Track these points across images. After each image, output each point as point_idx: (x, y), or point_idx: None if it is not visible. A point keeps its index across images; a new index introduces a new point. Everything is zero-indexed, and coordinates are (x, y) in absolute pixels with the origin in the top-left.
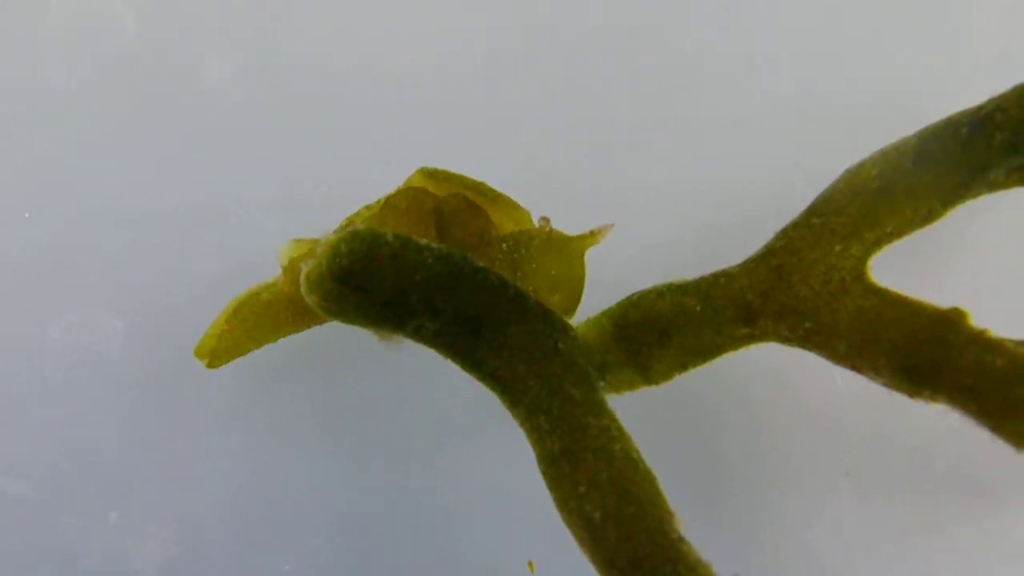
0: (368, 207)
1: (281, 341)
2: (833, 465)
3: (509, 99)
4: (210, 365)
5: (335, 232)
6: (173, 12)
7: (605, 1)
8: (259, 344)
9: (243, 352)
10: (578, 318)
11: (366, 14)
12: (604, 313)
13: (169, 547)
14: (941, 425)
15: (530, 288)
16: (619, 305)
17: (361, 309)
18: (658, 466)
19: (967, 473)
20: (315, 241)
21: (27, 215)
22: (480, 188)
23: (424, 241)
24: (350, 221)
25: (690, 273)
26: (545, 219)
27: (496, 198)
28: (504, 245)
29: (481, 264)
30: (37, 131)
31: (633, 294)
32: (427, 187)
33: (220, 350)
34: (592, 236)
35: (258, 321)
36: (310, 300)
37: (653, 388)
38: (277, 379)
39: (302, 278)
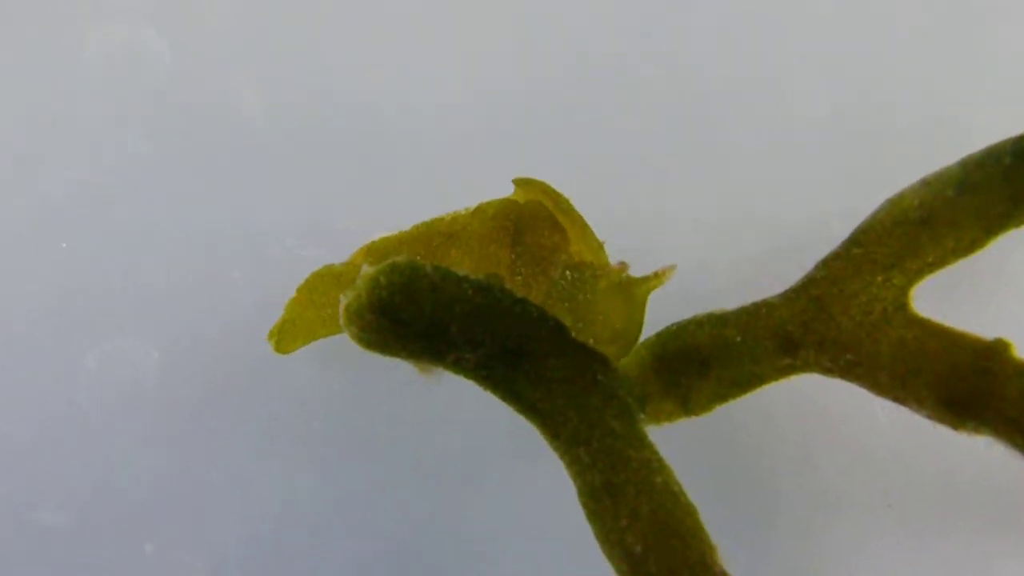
0: (454, 213)
1: (315, 374)
2: (875, 498)
3: (540, 129)
4: (277, 348)
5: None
6: (207, 44)
7: (637, 29)
8: (329, 329)
9: (313, 337)
10: None
11: (397, 46)
12: (643, 344)
13: None
14: (985, 457)
15: (582, 326)
16: (658, 336)
17: (400, 341)
18: (699, 498)
19: (1012, 506)
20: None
21: (64, 245)
22: (565, 206)
23: (463, 272)
24: (428, 226)
25: (729, 304)
26: (624, 264)
27: (578, 222)
28: (569, 273)
29: (542, 283)
30: (73, 163)
31: (672, 325)
32: (518, 196)
33: (289, 331)
34: (656, 279)
35: (330, 299)
36: (349, 332)
37: (693, 419)
38: (312, 411)
39: (341, 309)
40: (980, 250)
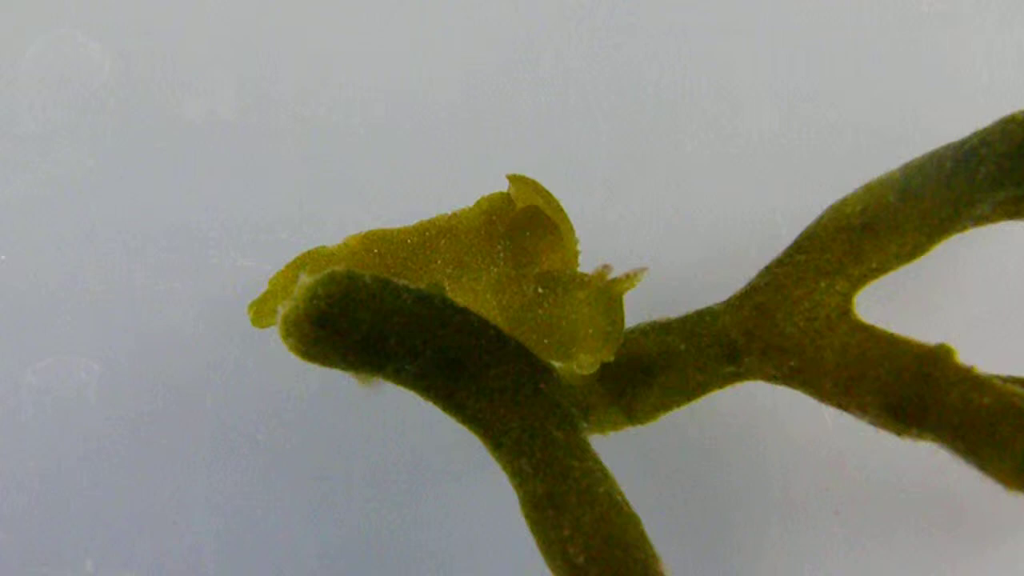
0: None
1: (259, 385)
2: (822, 505)
3: (491, 136)
4: (254, 321)
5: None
6: (148, 52)
7: (588, 40)
8: None
9: None
10: None
11: (351, 48)
12: None
13: None
14: (930, 463)
15: (566, 336)
16: None
17: (339, 352)
18: (642, 508)
19: (957, 512)
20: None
21: (2, 258)
22: (556, 207)
23: (403, 282)
24: (430, 221)
25: (674, 312)
26: (607, 267)
27: (565, 225)
28: (542, 288)
29: (524, 284)
30: (11, 174)
31: None
32: (512, 192)
33: (269, 305)
34: (629, 280)
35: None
36: (287, 344)
37: (638, 428)
38: (255, 423)
39: (279, 320)
40: (923, 255)
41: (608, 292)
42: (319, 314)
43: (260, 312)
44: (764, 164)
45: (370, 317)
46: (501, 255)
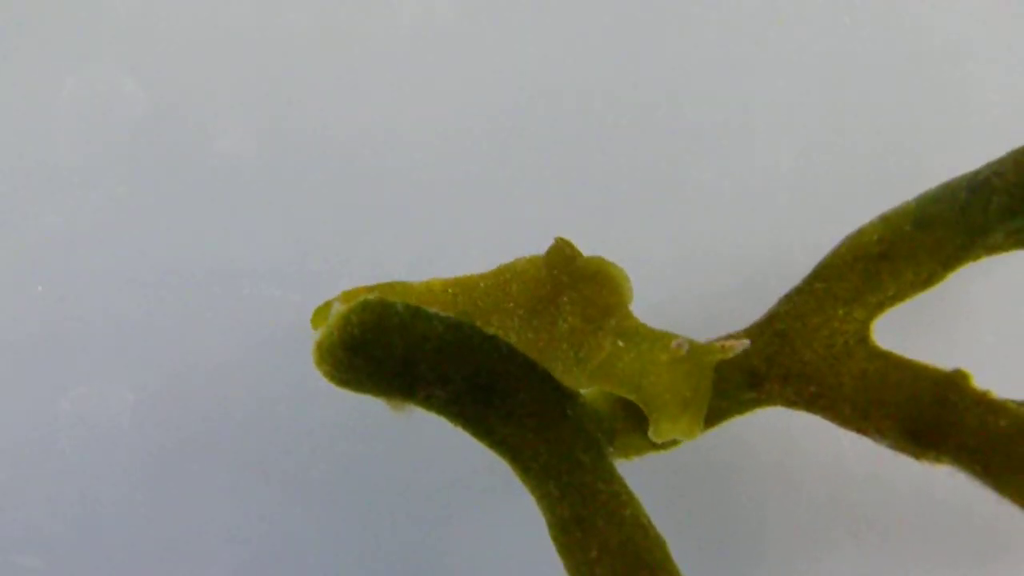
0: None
1: (292, 412)
2: (841, 530)
3: (512, 171)
4: (313, 323)
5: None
6: (183, 87)
7: (604, 74)
8: None
9: None
10: None
11: (379, 89)
12: None
13: None
14: (947, 487)
15: (647, 397)
16: None
17: (372, 378)
18: (667, 531)
19: (973, 535)
20: None
21: (40, 288)
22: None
23: (434, 311)
24: (502, 269)
25: (696, 339)
26: (684, 341)
27: (624, 281)
28: (622, 342)
29: (591, 340)
30: (47, 206)
31: None
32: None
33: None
34: (723, 350)
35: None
36: (321, 370)
37: (661, 454)
38: (289, 449)
39: (313, 347)
40: (939, 283)
41: (694, 358)
42: (352, 340)
43: (318, 317)
44: (782, 197)
45: (402, 343)
46: (568, 307)
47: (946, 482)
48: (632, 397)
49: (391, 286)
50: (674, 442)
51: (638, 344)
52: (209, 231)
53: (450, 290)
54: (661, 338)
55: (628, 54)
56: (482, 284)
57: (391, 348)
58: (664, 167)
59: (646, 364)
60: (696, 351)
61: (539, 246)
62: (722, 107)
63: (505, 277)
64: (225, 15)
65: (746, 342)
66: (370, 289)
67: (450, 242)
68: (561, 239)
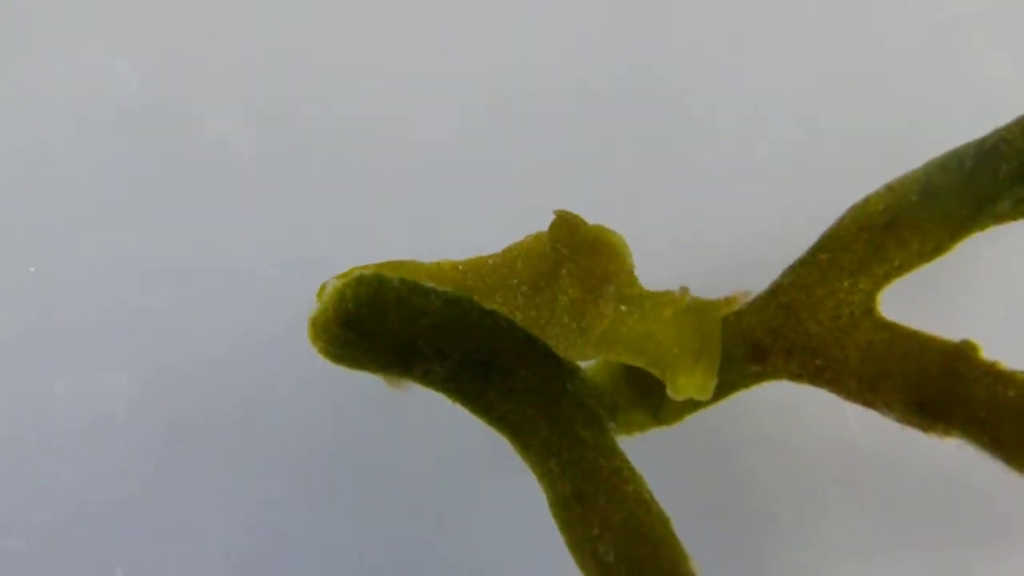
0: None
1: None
2: (848, 503)
3: (515, 151)
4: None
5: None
6: (177, 69)
7: (606, 54)
8: None
9: None
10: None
11: (378, 64)
12: None
13: None
14: (955, 461)
15: (657, 358)
16: None
17: (368, 354)
18: (670, 507)
19: (980, 510)
20: None
21: (32, 270)
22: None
23: (431, 285)
24: (511, 247)
25: None
26: (685, 288)
27: (623, 248)
28: (625, 307)
29: (593, 310)
30: (41, 189)
31: None
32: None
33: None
34: (728, 303)
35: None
36: (316, 346)
37: (664, 429)
38: (286, 433)
39: (308, 324)
40: (946, 253)
41: (699, 312)
42: (348, 316)
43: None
44: (786, 174)
45: (399, 319)
46: (567, 279)
47: (954, 456)
48: (640, 362)
49: (401, 264)
50: (678, 416)
51: (641, 306)
52: (204, 214)
53: (460, 267)
54: (663, 295)
55: (628, 35)
56: (491, 262)
57: (387, 323)
58: (666, 146)
59: (651, 324)
60: (701, 305)
61: (542, 227)
62: (723, 85)
63: (513, 255)
64: None
65: (751, 292)
66: (379, 268)
67: (449, 223)
68: (562, 211)
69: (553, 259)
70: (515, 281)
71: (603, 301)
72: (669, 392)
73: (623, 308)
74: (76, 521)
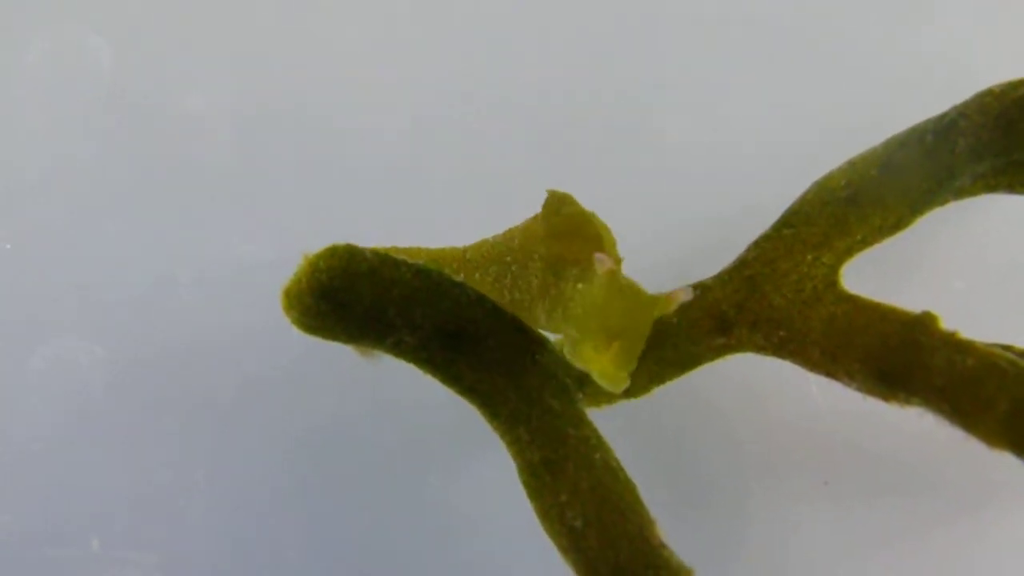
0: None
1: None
2: (811, 475)
3: (489, 128)
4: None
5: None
6: (153, 44)
7: (577, 27)
8: None
9: None
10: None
11: (356, 40)
12: None
13: (150, 573)
14: (916, 432)
15: (578, 332)
16: None
17: (340, 325)
18: (638, 478)
19: (943, 478)
20: None
21: (8, 246)
22: (597, 221)
23: (402, 257)
24: (513, 229)
25: (666, 288)
26: (688, 289)
27: (607, 235)
28: (580, 285)
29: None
30: (16, 164)
31: None
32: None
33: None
34: (667, 301)
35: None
36: (290, 316)
37: (632, 401)
38: (262, 405)
39: (281, 294)
40: (906, 228)
41: (633, 300)
42: (321, 287)
43: None
44: (750, 151)
45: (371, 290)
46: (539, 261)
47: (916, 425)
48: (573, 332)
49: (406, 250)
50: (645, 388)
51: (594, 286)
52: (180, 188)
53: (467, 252)
54: (607, 277)
55: (592, 11)
56: (492, 240)
57: (359, 294)
58: (633, 119)
59: (593, 300)
60: (636, 292)
61: (513, 202)
62: (687, 62)
63: (512, 233)
64: None
65: (689, 290)
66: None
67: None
68: (553, 191)
69: (544, 239)
70: (508, 258)
71: (563, 281)
72: (567, 356)
73: (579, 287)
74: (50, 490)
